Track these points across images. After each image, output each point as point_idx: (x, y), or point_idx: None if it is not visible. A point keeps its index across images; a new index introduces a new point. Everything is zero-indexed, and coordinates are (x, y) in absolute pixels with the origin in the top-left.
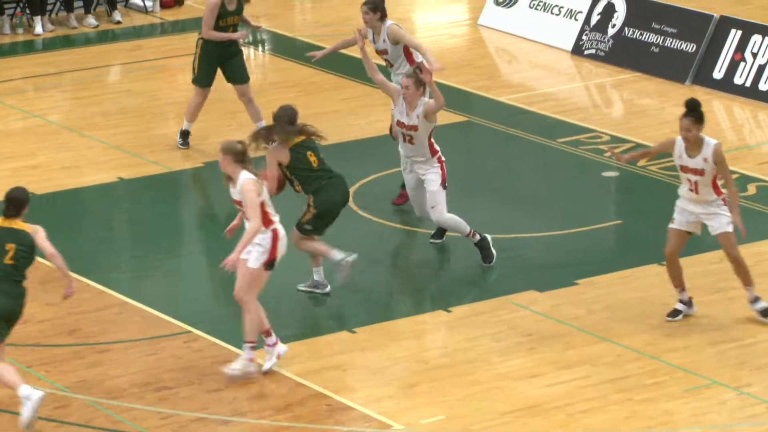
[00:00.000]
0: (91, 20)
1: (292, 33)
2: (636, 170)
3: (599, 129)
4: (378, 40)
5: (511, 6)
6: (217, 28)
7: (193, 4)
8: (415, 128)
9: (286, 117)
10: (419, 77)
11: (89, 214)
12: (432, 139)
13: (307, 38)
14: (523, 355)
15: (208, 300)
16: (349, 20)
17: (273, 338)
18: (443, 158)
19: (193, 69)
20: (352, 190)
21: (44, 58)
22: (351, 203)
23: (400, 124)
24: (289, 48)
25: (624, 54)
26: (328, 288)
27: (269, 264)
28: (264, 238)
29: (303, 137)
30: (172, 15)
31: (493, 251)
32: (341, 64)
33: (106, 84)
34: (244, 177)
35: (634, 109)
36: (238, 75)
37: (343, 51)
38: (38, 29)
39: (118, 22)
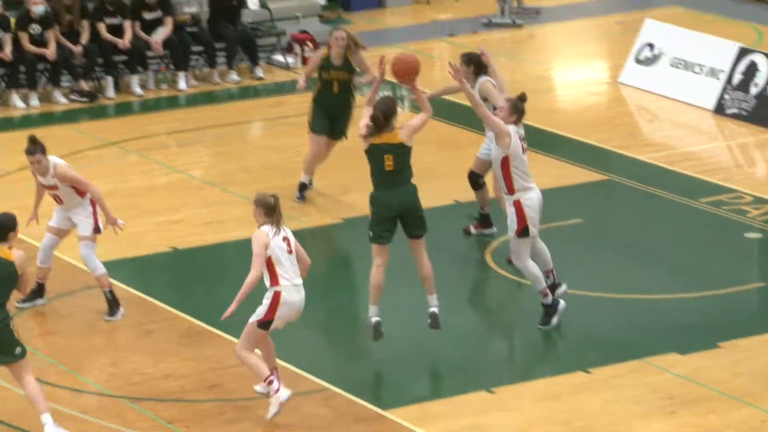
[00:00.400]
0: (233, 76)
1: (432, 90)
2: None
3: (742, 189)
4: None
5: (652, 64)
6: (321, 79)
7: None
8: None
9: (379, 110)
10: (516, 103)
11: (230, 270)
12: (513, 174)
13: (446, 96)
14: (665, 418)
15: (345, 355)
16: None
17: (275, 384)
18: (523, 201)
19: (309, 115)
20: (490, 247)
21: (187, 114)
22: (489, 260)
23: None
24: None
25: (767, 113)
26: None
27: (263, 323)
28: (268, 296)
29: (386, 140)
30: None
31: (554, 321)
32: (480, 123)
33: (248, 139)
34: (258, 229)
35: None
36: (335, 129)
37: None
38: (182, 85)
39: (260, 78)
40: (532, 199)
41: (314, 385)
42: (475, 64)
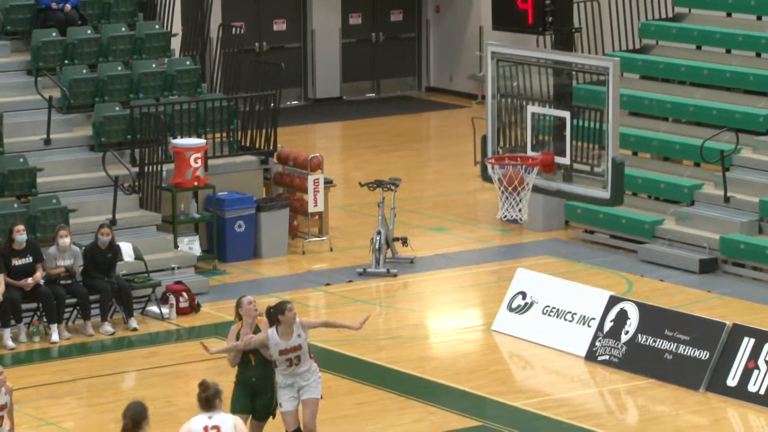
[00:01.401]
0: (107, 327)
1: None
2: None
3: None
4: (292, 337)
5: (524, 312)
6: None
7: (209, 310)
8: None
9: (128, 416)
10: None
11: None
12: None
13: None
14: None
15: None
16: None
17: None
18: None
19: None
20: None
21: (60, 366)
22: None
23: None
24: None
25: (637, 360)
26: None
27: None
28: None
29: None
30: (188, 321)
31: None
32: (357, 370)
33: (121, 390)
34: None
35: (648, 416)
36: (258, 409)
37: (357, 356)
38: (54, 337)
39: (135, 329)
40: None
41: None
42: (268, 316)
